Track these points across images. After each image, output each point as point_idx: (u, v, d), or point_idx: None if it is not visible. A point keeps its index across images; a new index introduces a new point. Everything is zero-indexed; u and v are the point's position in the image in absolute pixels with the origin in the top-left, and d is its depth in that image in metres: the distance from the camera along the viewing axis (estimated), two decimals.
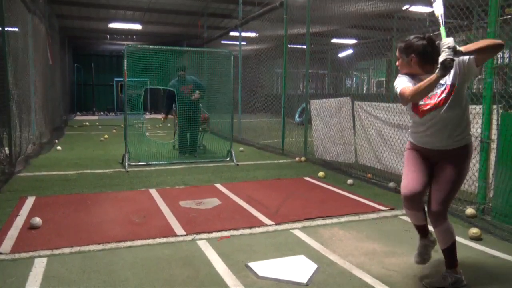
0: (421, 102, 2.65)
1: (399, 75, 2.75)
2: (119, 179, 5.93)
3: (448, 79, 2.56)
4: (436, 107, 2.59)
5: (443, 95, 2.57)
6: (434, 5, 2.55)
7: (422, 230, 2.93)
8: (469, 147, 2.70)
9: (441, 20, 2.50)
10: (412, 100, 2.60)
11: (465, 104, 2.63)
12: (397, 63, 2.79)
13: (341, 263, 3.13)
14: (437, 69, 2.35)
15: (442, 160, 2.70)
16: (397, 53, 2.77)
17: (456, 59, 2.47)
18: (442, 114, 2.59)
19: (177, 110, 7.68)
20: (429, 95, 2.59)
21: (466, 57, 2.49)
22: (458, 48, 2.35)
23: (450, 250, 2.72)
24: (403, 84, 2.63)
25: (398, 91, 2.64)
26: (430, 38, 2.63)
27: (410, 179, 2.77)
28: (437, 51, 2.43)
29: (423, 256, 2.93)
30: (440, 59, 2.33)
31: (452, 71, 2.52)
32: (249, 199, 4.90)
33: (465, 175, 2.73)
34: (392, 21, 9.76)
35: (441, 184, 2.68)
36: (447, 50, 2.31)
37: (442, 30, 2.44)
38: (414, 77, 2.67)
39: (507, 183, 3.90)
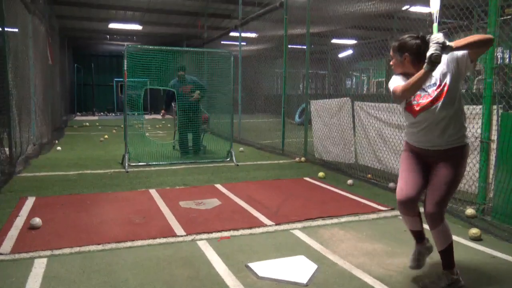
0: (414, 102, 2.64)
1: (394, 75, 2.76)
2: (119, 180, 5.93)
3: (440, 79, 2.56)
4: (428, 106, 2.58)
5: (435, 94, 2.56)
6: (431, 1, 2.56)
7: (418, 236, 2.88)
8: (464, 148, 2.66)
9: (435, 17, 2.51)
10: (403, 97, 2.61)
11: (458, 105, 2.61)
12: (391, 62, 2.79)
13: (341, 263, 3.13)
14: (425, 64, 2.38)
15: (438, 161, 2.67)
16: (391, 53, 2.76)
17: (448, 57, 2.51)
18: (435, 114, 2.57)
19: (177, 111, 7.70)
20: (422, 94, 2.60)
21: (460, 53, 2.50)
22: (447, 43, 2.36)
23: (447, 252, 2.69)
24: (395, 83, 2.65)
25: (391, 89, 2.67)
26: (423, 37, 2.61)
27: (404, 183, 2.72)
28: None
29: (418, 262, 2.88)
30: (428, 53, 2.36)
31: (444, 71, 2.54)
32: (249, 199, 4.90)
33: (461, 176, 2.71)
34: (392, 21, 9.75)
35: (437, 185, 2.64)
36: (435, 45, 2.34)
37: (435, 27, 2.46)
38: (408, 76, 2.63)
39: (507, 183, 3.90)
